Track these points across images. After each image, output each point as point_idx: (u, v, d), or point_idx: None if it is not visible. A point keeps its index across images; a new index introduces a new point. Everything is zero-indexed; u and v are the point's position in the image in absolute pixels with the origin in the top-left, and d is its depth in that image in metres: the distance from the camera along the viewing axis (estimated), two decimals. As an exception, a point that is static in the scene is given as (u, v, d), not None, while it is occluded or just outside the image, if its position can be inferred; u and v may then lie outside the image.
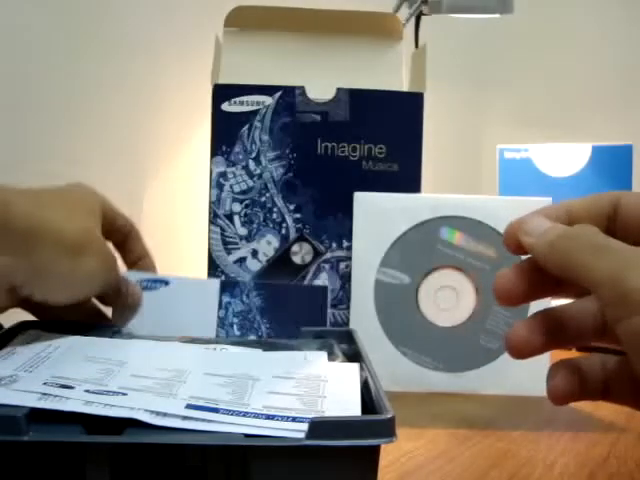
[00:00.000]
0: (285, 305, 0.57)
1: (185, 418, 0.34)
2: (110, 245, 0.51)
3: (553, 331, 0.34)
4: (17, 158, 0.78)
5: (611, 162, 1.05)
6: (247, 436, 0.33)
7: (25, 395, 0.35)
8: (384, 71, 0.70)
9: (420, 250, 0.63)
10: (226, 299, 0.58)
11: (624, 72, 1.42)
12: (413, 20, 1.01)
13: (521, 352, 0.35)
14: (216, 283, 0.58)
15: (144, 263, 0.55)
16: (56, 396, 0.35)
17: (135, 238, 0.54)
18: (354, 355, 0.46)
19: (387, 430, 0.33)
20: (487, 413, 0.59)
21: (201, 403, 0.36)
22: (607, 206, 0.34)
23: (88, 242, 0.45)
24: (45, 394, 0.35)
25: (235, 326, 0.57)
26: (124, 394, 0.36)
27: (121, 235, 0.53)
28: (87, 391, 0.36)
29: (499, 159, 1.11)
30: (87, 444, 0.32)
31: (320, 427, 0.32)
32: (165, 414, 0.34)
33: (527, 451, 0.50)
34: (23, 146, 0.79)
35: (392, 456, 0.48)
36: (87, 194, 0.49)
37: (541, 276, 0.33)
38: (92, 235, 0.46)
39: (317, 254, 0.66)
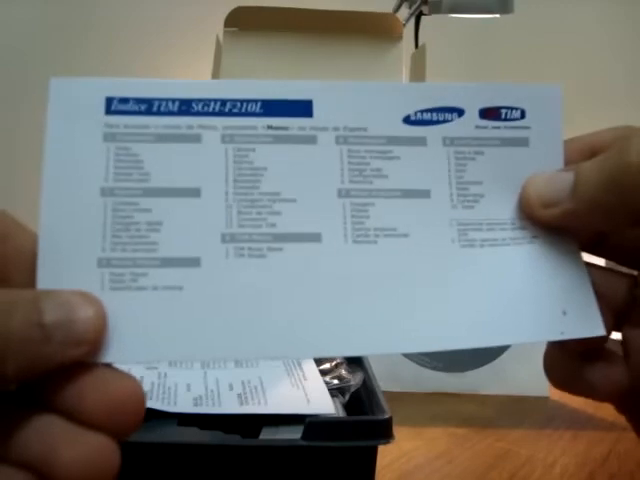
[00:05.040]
0: None
1: (196, 404, 0.35)
2: None
3: None
4: (16, 158, 0.78)
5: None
6: (244, 437, 0.33)
7: None
8: (384, 71, 0.70)
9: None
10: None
11: (624, 72, 1.42)
12: (413, 20, 1.00)
13: None
14: None
15: None
16: None
17: None
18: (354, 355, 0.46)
19: (384, 431, 0.33)
20: (487, 413, 0.59)
21: None
22: None
23: None
24: None
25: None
26: None
27: None
28: None
29: (500, 159, 1.11)
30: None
31: (316, 428, 0.32)
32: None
33: (527, 451, 0.50)
34: (22, 146, 0.79)
35: (392, 456, 0.48)
36: None
37: None
38: None
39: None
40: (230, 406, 0.36)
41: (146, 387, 0.37)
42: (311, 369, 0.42)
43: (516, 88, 0.27)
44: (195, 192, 0.24)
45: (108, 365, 0.21)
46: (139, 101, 0.24)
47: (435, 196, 0.25)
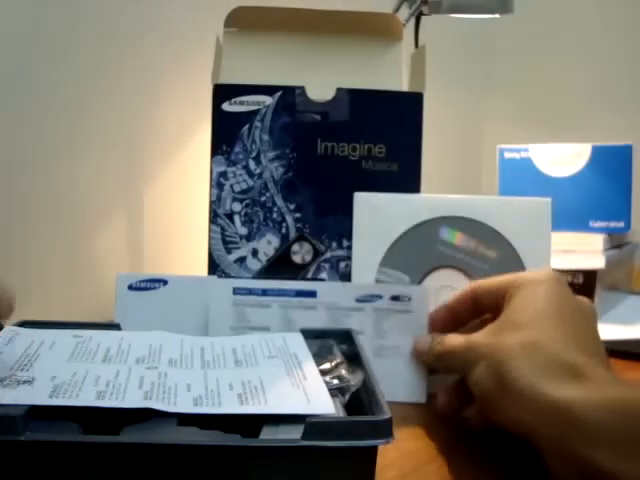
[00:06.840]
0: None
1: (196, 404, 0.35)
2: None
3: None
4: (15, 157, 0.78)
5: (611, 162, 1.05)
6: (244, 437, 0.33)
7: (35, 393, 0.35)
8: (384, 71, 0.70)
9: (420, 250, 0.63)
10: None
11: (624, 72, 1.42)
12: (413, 20, 1.00)
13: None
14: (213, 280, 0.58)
15: None
16: (66, 391, 0.35)
17: None
18: (353, 355, 0.46)
19: (384, 431, 0.33)
20: (487, 413, 0.59)
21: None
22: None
23: None
24: (54, 391, 0.36)
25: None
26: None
27: None
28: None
29: (499, 159, 1.10)
30: (84, 444, 0.32)
31: (316, 428, 0.32)
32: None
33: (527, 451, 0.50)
34: (21, 146, 0.79)
35: (392, 456, 0.48)
36: None
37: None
38: None
39: (317, 253, 0.66)
40: (230, 406, 0.36)
41: (146, 387, 0.37)
42: (311, 369, 0.42)
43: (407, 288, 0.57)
44: None
45: None
46: None
47: None
